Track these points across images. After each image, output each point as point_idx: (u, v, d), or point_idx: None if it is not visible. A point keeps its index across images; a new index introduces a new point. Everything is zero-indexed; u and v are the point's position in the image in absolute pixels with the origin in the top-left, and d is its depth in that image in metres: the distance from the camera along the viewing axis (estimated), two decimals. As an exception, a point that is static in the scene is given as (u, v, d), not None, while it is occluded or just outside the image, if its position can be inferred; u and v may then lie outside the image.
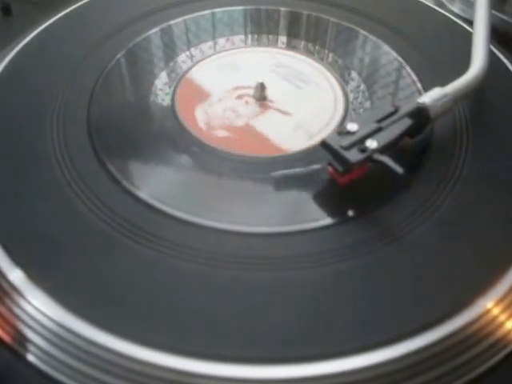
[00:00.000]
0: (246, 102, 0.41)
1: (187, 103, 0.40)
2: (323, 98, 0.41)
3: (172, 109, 0.40)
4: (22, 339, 0.28)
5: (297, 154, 0.37)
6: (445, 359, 0.27)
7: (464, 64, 0.39)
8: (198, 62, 0.44)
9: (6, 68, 0.41)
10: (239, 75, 0.43)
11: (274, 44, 0.46)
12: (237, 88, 0.42)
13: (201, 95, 0.41)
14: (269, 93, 0.41)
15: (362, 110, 0.40)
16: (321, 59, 0.44)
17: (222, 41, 0.45)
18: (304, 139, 0.38)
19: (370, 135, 0.33)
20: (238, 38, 0.46)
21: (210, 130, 0.38)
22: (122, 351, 0.27)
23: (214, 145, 0.37)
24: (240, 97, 0.41)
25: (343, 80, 0.42)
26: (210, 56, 0.44)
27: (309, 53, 0.45)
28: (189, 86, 0.42)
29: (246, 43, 0.46)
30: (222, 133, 0.38)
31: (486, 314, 0.29)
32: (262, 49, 0.45)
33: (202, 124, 0.39)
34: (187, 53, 0.44)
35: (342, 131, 0.34)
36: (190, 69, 0.43)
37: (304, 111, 0.40)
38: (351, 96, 0.41)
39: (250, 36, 0.46)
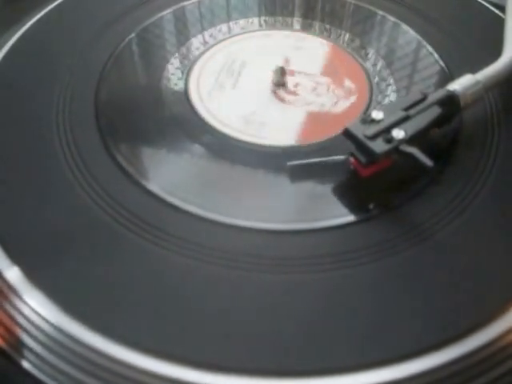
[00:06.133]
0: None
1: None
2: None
3: (185, 94, 0.37)
4: (16, 343, 0.26)
5: (316, 144, 0.34)
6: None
7: (493, 49, 0.37)
8: (212, 45, 0.41)
9: (14, 47, 0.40)
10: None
11: (289, 27, 0.43)
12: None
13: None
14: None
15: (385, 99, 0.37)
16: (344, 45, 0.41)
17: (236, 24, 0.43)
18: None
19: (396, 124, 0.31)
20: (253, 21, 0.43)
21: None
22: (125, 360, 0.24)
23: (228, 132, 0.35)
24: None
25: (368, 65, 0.40)
26: (224, 40, 0.42)
27: (326, 36, 0.42)
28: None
29: (260, 26, 0.43)
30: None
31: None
32: (278, 32, 0.43)
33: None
34: (200, 36, 0.42)
35: (365, 119, 0.31)
36: (203, 52, 0.41)
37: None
38: (375, 82, 0.38)
39: (264, 19, 0.44)
